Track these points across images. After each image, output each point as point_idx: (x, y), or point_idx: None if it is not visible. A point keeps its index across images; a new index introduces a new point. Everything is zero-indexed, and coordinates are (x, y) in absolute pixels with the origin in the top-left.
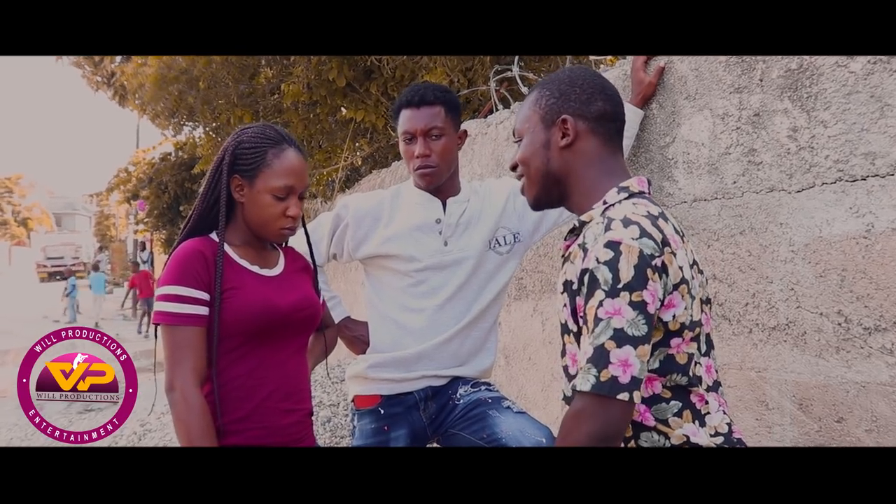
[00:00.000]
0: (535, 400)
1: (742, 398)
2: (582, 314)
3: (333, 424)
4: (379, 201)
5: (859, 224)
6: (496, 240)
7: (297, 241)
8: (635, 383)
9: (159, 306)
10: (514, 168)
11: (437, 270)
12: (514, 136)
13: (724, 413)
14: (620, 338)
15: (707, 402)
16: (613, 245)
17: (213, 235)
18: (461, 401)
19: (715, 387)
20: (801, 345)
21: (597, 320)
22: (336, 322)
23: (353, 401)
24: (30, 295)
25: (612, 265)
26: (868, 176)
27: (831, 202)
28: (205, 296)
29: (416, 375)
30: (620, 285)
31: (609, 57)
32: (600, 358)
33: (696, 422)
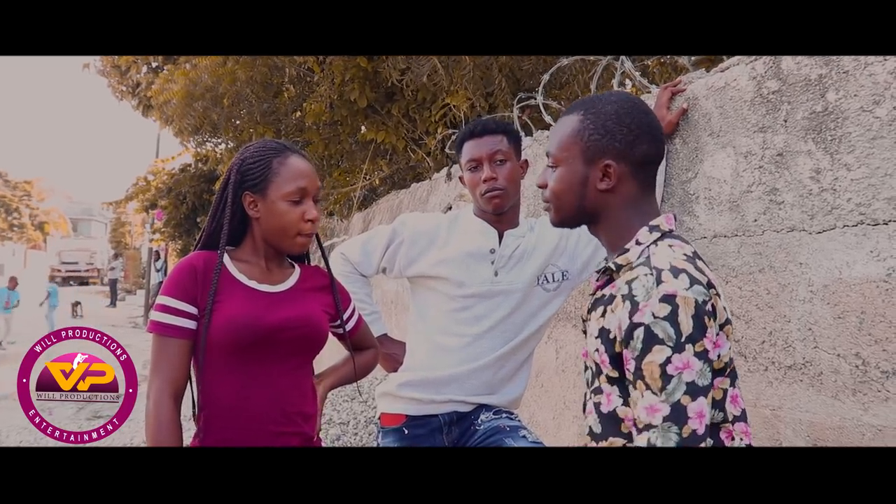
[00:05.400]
0: (547, 427)
1: (756, 435)
2: (629, 367)
3: (342, 443)
4: (437, 223)
5: (880, 268)
6: (545, 276)
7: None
8: (708, 430)
9: (151, 315)
10: (542, 187)
11: (483, 299)
12: (547, 156)
13: (748, 446)
14: (694, 391)
15: (733, 439)
16: (669, 299)
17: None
18: (481, 426)
19: (742, 417)
20: (816, 385)
21: (666, 377)
22: None
23: (378, 418)
24: (42, 298)
25: (672, 319)
26: (890, 220)
27: (852, 245)
28: (191, 309)
29: (444, 399)
30: (683, 339)
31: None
32: (679, 415)
33: None
